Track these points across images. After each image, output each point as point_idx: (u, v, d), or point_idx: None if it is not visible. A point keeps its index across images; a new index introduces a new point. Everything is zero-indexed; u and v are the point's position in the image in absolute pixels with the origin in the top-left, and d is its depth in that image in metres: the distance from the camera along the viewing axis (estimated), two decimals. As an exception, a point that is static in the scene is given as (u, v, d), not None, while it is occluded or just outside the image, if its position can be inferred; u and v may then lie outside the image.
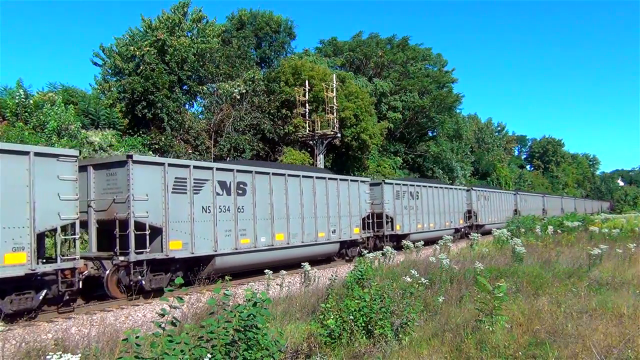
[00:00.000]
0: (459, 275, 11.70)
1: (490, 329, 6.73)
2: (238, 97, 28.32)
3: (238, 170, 15.09)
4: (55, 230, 10.54)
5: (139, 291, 12.04)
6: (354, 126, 32.29)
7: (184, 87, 27.91)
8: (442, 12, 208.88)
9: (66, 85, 24.96)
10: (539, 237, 22.68)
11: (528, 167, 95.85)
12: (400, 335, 6.90)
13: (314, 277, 13.77)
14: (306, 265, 13.90)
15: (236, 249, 14.64)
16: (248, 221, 15.21)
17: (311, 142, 30.91)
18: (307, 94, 30.95)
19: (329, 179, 19.45)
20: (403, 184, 25.24)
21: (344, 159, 34.20)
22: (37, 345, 7.14)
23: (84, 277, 11.38)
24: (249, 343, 4.62)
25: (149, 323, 9.75)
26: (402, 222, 24.39)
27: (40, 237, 10.73)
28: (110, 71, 27.02)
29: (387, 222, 23.19)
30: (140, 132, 24.55)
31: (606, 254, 14.81)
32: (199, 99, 29.99)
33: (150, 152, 22.88)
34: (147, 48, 25.06)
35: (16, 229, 9.86)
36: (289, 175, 17.25)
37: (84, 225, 12.24)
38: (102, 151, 20.63)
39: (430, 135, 49.82)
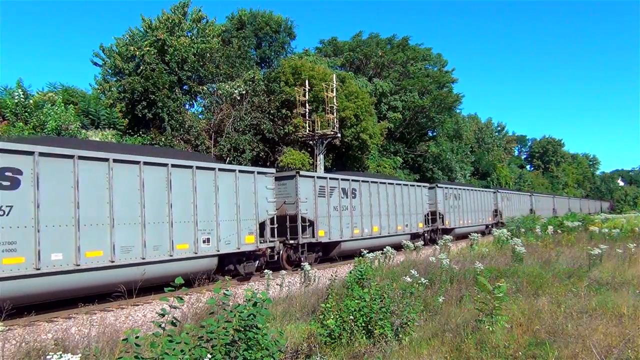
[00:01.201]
0: (459, 275, 11.70)
1: (490, 329, 6.73)
2: (238, 97, 28.31)
3: (353, 180, 21.41)
4: (264, 222, 16.33)
5: (297, 265, 16.83)
6: (354, 126, 32.30)
7: (184, 87, 27.90)
8: (442, 12, 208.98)
9: (66, 85, 24.97)
10: (538, 237, 22.67)
11: (528, 167, 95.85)
12: (400, 335, 6.90)
13: (314, 277, 13.78)
14: (306, 265, 14.03)
15: (352, 237, 20.79)
16: (358, 217, 21.43)
17: (311, 142, 30.90)
18: (307, 94, 30.94)
19: (403, 185, 25.73)
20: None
21: (344, 159, 34.20)
22: (37, 345, 7.14)
23: (277, 253, 17.08)
24: (249, 343, 4.62)
25: (149, 323, 9.76)
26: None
27: (260, 226, 16.04)
28: (110, 71, 27.02)
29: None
30: (140, 132, 24.55)
31: (606, 254, 14.81)
32: (199, 99, 29.99)
33: (150, 152, 22.86)
34: (147, 48, 25.05)
35: (249, 221, 15.57)
36: (380, 182, 23.60)
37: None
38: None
39: (430, 135, 49.81)
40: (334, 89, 31.44)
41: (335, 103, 30.93)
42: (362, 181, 22.27)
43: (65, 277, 10.66)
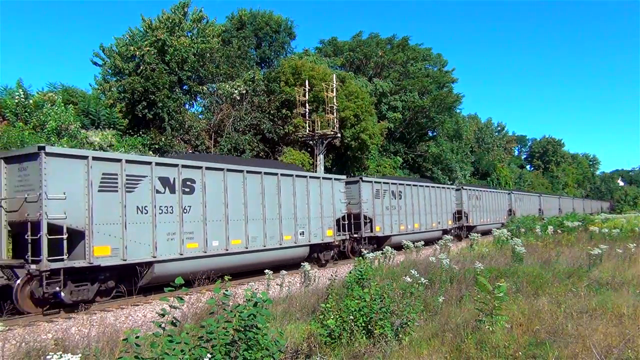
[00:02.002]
0: (459, 275, 11.69)
1: (490, 329, 6.73)
2: (238, 97, 28.31)
3: (399, 183, 25.02)
4: (339, 219, 19.44)
5: (359, 255, 18.08)
6: (354, 126, 32.30)
7: (184, 87, 27.90)
8: (442, 12, 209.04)
9: (66, 85, 24.98)
10: (539, 237, 22.65)
11: (528, 167, 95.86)
12: (400, 335, 6.90)
13: (314, 277, 13.78)
14: (306, 265, 14.05)
15: (399, 232, 24.02)
16: (403, 215, 24.72)
17: (311, 142, 30.90)
18: (307, 94, 30.94)
19: (436, 187, 26.08)
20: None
21: (344, 159, 34.20)
22: (37, 345, 7.14)
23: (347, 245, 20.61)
24: (249, 343, 4.62)
25: (149, 323, 9.75)
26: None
27: (336, 223, 19.34)
28: (110, 71, 27.00)
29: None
30: (140, 132, 24.54)
31: (606, 254, 14.80)
32: (199, 99, 30.00)
33: (150, 152, 22.87)
34: (147, 48, 25.04)
35: (329, 218, 18.92)
36: (419, 185, 25.37)
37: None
38: (101, 151, 20.63)
39: (430, 135, 49.81)
40: (334, 89, 31.45)
41: (335, 103, 30.94)
42: (406, 184, 25.90)
43: (220, 259, 14.19)
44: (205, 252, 13.63)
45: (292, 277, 14.77)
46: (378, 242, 22.37)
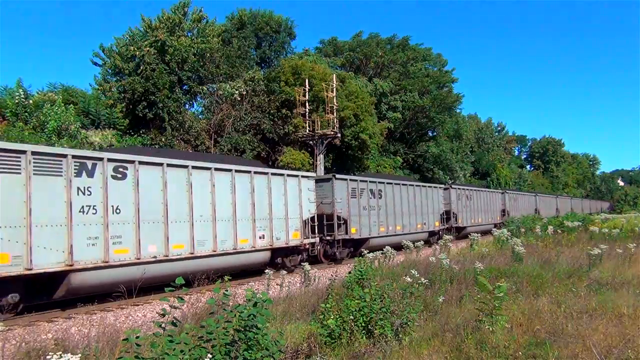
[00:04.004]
0: (459, 275, 11.68)
1: (490, 329, 6.72)
2: (238, 97, 28.31)
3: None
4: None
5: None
6: (354, 126, 32.29)
7: (184, 87, 27.90)
8: (442, 12, 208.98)
9: (66, 85, 24.97)
10: (538, 237, 22.65)
11: (528, 167, 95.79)
12: (401, 335, 6.90)
13: (314, 277, 13.78)
14: (306, 265, 14.06)
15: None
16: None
17: (311, 142, 30.89)
18: (307, 94, 30.93)
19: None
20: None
21: (344, 159, 34.20)
22: (37, 345, 7.13)
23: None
24: (249, 343, 4.62)
25: (149, 323, 9.75)
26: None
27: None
28: (110, 71, 27.01)
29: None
30: (141, 132, 24.55)
31: (606, 254, 14.80)
32: (199, 99, 30.00)
33: (150, 152, 22.87)
34: (147, 48, 25.03)
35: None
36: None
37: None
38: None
39: (430, 135, 49.79)
40: (334, 89, 31.44)
41: (335, 103, 30.93)
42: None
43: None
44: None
45: (292, 277, 14.78)
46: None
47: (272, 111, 30.39)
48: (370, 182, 22.37)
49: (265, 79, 31.93)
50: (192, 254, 13.20)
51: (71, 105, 21.82)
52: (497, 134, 78.20)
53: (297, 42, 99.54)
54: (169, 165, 12.99)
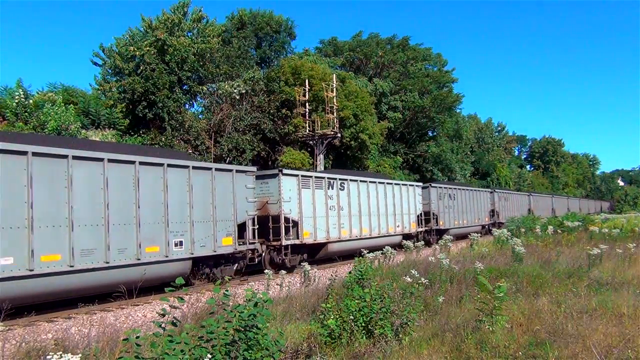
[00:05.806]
0: (459, 275, 11.69)
1: (490, 329, 6.73)
2: (238, 97, 28.30)
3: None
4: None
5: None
6: (354, 126, 32.29)
7: (184, 87, 27.89)
8: (442, 12, 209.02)
9: (66, 85, 24.96)
10: (538, 237, 22.66)
11: (528, 167, 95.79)
12: (401, 335, 6.90)
13: (314, 277, 13.78)
14: (306, 265, 14.08)
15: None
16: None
17: (311, 142, 30.90)
18: (307, 93, 30.94)
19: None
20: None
21: (344, 159, 34.19)
22: (37, 345, 7.14)
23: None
24: (249, 343, 4.62)
25: (149, 323, 9.75)
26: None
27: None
28: (110, 71, 27.00)
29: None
30: (141, 132, 24.56)
31: (606, 254, 14.81)
32: (199, 99, 29.98)
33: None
34: (147, 48, 25.03)
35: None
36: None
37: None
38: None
39: (430, 135, 49.78)
40: (334, 89, 31.44)
41: (335, 103, 30.94)
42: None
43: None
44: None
45: (292, 277, 14.78)
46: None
47: (272, 111, 30.40)
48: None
49: (265, 79, 31.94)
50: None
51: (71, 105, 21.81)
52: (497, 134, 78.19)
53: (297, 42, 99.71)
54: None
